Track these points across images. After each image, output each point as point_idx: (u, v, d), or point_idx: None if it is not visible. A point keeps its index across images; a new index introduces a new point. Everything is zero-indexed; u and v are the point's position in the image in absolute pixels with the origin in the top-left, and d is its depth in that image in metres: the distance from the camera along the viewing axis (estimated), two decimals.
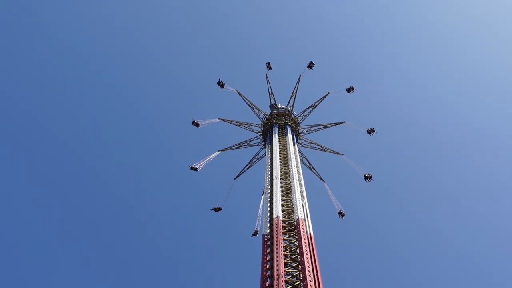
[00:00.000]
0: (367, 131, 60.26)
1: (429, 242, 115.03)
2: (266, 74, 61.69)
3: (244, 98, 61.87)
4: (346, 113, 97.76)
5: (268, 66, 62.26)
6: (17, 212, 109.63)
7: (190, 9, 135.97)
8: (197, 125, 61.00)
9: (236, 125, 61.50)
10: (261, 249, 35.57)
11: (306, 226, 36.56)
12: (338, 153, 60.37)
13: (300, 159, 58.00)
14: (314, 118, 69.73)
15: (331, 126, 61.31)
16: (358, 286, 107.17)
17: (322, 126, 61.04)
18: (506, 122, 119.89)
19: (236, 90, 62.26)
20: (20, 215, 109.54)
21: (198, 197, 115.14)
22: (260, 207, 54.47)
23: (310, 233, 36.27)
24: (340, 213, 56.64)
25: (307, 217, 38.47)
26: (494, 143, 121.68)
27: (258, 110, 61.12)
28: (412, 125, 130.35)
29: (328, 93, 61.14)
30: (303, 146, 59.65)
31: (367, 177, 57.59)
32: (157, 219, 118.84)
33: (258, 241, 37.21)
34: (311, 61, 61.65)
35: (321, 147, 60.20)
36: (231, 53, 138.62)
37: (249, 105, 61.53)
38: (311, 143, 60.14)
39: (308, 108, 61.04)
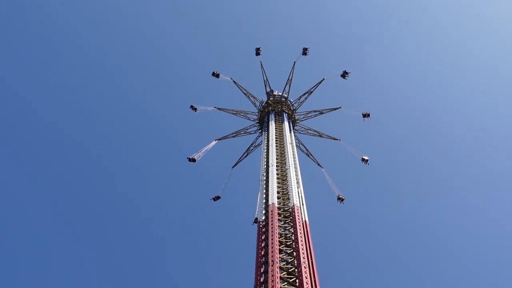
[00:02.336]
0: (362, 115, 60.12)
1: (425, 230, 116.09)
2: (260, 62, 61.40)
3: (239, 87, 61.74)
4: (342, 99, 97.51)
5: (258, 51, 61.73)
6: (18, 209, 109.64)
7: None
8: (195, 109, 61.43)
9: (232, 113, 61.47)
10: (256, 235, 35.77)
11: (301, 213, 36.77)
12: (335, 139, 60.57)
13: (297, 146, 58.45)
14: (310, 104, 69.74)
15: (327, 111, 61.31)
16: (353, 273, 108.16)
17: (318, 112, 61.01)
18: (503, 110, 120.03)
19: (231, 78, 62.26)
20: (20, 212, 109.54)
21: (196, 187, 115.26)
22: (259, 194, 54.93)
23: (305, 220, 36.46)
24: (339, 198, 57.20)
25: (303, 204, 38.65)
26: (492, 132, 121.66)
27: (254, 98, 61.08)
28: (408, 110, 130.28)
29: (323, 78, 60.94)
30: (300, 133, 59.89)
31: (364, 160, 58.49)
32: (154, 210, 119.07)
33: (253, 227, 37.43)
34: (304, 47, 61.39)
35: (318, 133, 60.35)
36: (225, 42, 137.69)
37: (244, 93, 61.43)
38: (308, 129, 60.30)
39: (303, 94, 60.83)
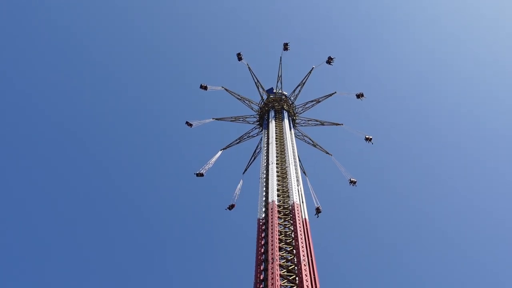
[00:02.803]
0: (356, 95, 60.70)
1: (425, 228, 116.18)
2: (247, 65, 61.23)
3: (232, 93, 61.48)
4: (338, 87, 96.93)
5: (239, 57, 61.71)
6: (19, 209, 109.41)
7: (164, 8, 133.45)
8: (190, 125, 60.96)
9: (231, 121, 61.24)
10: (256, 233, 35.83)
11: (301, 210, 36.84)
12: (337, 124, 60.71)
13: (302, 139, 58.96)
14: (306, 96, 69.76)
15: (324, 98, 61.29)
16: (353, 271, 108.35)
17: (315, 101, 61.07)
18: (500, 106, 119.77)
19: (223, 87, 61.96)
20: (20, 211, 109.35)
21: (196, 186, 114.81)
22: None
23: (305, 218, 36.56)
24: (351, 181, 57.29)
25: (302, 202, 38.73)
26: (490, 125, 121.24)
27: (249, 101, 60.83)
28: (403, 90, 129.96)
29: (313, 67, 60.93)
30: (302, 125, 60.06)
31: (368, 139, 59.08)
32: (156, 209, 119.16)
33: (253, 225, 37.47)
34: (284, 43, 61.32)
35: (320, 121, 60.68)
36: (212, 50, 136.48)
37: (238, 99, 61.25)
38: (309, 120, 60.40)
39: (297, 87, 60.74)
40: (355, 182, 57.55)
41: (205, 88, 61.48)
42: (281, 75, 60.49)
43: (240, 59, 61.92)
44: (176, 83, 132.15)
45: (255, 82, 60.94)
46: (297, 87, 60.57)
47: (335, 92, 61.29)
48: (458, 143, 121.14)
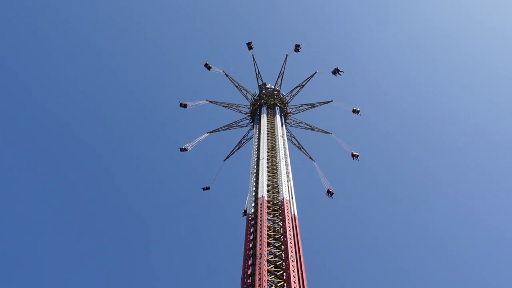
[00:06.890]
0: (352, 110, 60.58)
1: (416, 226, 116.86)
2: (252, 55, 61.32)
3: (231, 79, 61.55)
4: (335, 93, 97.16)
5: (249, 45, 61.62)
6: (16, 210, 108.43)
7: None
8: (184, 106, 60.97)
9: (224, 106, 61.33)
10: (245, 228, 35.83)
11: (290, 206, 36.86)
12: (326, 132, 60.65)
13: (289, 139, 58.33)
14: (302, 98, 69.63)
15: (319, 105, 61.40)
16: (340, 268, 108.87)
17: (310, 105, 61.11)
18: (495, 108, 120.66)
19: (223, 71, 61.94)
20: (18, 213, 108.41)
21: (187, 181, 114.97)
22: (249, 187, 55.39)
23: (294, 214, 36.56)
24: (328, 191, 55.45)
25: (292, 198, 38.74)
26: (486, 129, 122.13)
27: (246, 91, 60.97)
28: (400, 105, 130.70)
29: (315, 72, 60.95)
30: (292, 126, 60.03)
31: (355, 156, 57.62)
32: (143, 202, 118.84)
33: (242, 220, 37.49)
34: (296, 44, 61.45)
35: (310, 126, 60.49)
36: (216, 34, 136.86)
37: (236, 86, 61.32)
38: (300, 122, 60.36)
39: (296, 87, 60.96)
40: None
41: (209, 67, 61.51)
42: (283, 72, 60.60)
43: (250, 48, 61.61)
44: (169, 69, 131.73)
45: (256, 74, 60.97)
46: (295, 88, 60.74)
47: (332, 101, 61.34)
48: (450, 145, 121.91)
